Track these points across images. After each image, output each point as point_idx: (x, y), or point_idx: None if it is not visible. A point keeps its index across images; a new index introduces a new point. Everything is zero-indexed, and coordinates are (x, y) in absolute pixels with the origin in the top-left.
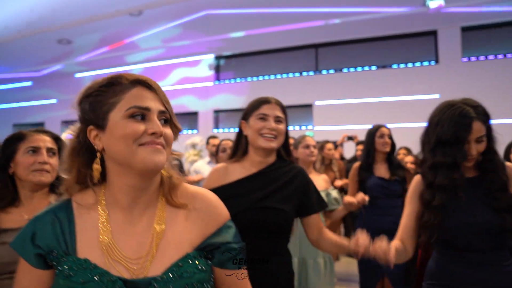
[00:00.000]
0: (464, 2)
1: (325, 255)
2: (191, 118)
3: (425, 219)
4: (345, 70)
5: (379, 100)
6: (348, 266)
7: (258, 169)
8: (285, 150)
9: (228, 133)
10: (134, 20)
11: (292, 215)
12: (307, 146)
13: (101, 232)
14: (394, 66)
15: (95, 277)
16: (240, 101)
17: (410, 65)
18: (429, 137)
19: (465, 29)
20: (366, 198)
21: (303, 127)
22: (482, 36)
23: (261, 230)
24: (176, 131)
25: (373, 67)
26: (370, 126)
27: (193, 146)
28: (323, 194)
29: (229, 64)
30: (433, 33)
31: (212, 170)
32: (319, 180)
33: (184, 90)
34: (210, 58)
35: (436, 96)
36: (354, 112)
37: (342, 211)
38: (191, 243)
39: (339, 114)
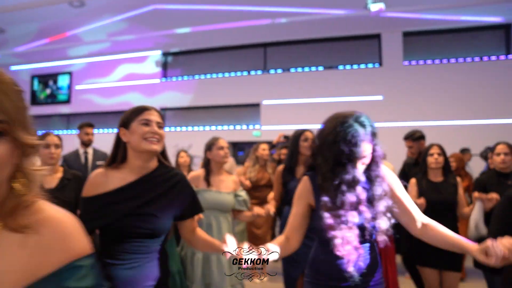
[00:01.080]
0: (405, 8)
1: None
2: None
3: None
4: (292, 70)
5: (325, 101)
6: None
7: (138, 175)
8: (163, 155)
9: (175, 132)
10: (76, 12)
11: (170, 220)
12: (221, 148)
13: None
14: (340, 67)
15: None
16: (187, 99)
17: (355, 66)
18: (325, 154)
19: (406, 34)
20: (272, 210)
21: (251, 127)
22: (422, 41)
23: (137, 236)
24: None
25: (320, 68)
26: (317, 126)
27: None
28: (231, 196)
29: (176, 61)
30: (377, 37)
31: (91, 176)
32: (229, 181)
33: (130, 87)
34: (157, 54)
35: (380, 97)
36: (301, 112)
37: (249, 217)
38: (13, 282)
39: (286, 113)
